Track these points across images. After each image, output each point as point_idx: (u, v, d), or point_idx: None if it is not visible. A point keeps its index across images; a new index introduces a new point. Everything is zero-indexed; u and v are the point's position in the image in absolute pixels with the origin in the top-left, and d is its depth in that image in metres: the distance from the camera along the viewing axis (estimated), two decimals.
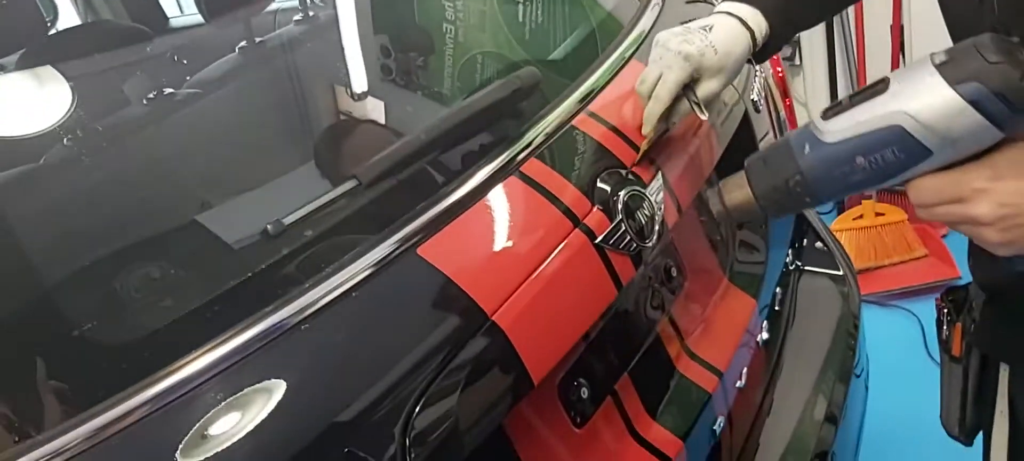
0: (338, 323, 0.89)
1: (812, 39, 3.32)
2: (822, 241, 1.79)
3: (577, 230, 1.07)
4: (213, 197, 1.03)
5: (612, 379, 1.19)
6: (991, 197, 0.82)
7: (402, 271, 0.95)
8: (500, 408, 0.95)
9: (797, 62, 3.35)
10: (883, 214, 3.09)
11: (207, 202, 1.01)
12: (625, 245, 1.10)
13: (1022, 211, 0.81)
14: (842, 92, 3.31)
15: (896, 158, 0.81)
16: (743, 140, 1.49)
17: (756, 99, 1.58)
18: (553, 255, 1.03)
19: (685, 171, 1.26)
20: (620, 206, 1.11)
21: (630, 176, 1.16)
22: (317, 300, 0.89)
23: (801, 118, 3.15)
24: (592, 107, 1.23)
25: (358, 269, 0.92)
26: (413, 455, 0.86)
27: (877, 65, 3.16)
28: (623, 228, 1.11)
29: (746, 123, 1.50)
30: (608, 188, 1.12)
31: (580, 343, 1.13)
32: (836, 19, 3.19)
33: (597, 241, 1.08)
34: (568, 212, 1.08)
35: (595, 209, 1.11)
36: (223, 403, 0.81)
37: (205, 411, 0.80)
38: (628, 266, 1.11)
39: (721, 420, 1.30)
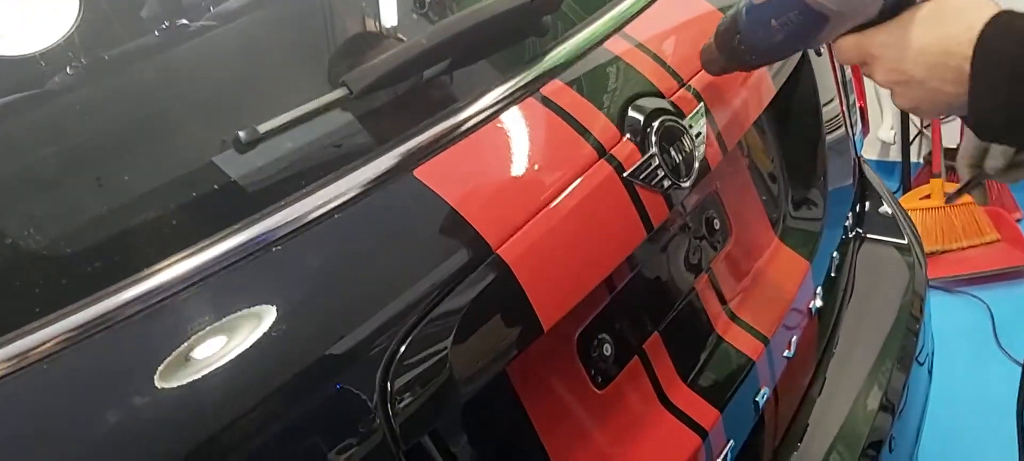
0: (314, 247, 0.77)
1: None
2: (887, 204, 1.62)
3: (602, 161, 0.93)
4: (180, 99, 0.91)
5: (641, 338, 1.05)
6: (882, 64, 0.84)
7: (394, 194, 0.82)
8: (503, 355, 0.82)
9: None
10: None
11: (171, 104, 0.89)
12: (658, 182, 0.96)
13: (909, 77, 0.81)
14: None
15: (801, 22, 0.88)
16: (801, 81, 1.34)
17: None
18: (572, 186, 0.90)
19: (731, 107, 1.12)
20: (654, 137, 0.97)
21: (668, 106, 1.02)
22: (291, 220, 0.76)
23: (869, 83, 2.96)
24: (628, 30, 1.09)
25: (342, 189, 0.79)
26: (396, 402, 0.73)
27: None
28: (656, 162, 0.96)
29: (806, 65, 1.34)
30: (641, 117, 0.98)
31: (603, 293, 1.00)
32: None
33: (625, 175, 0.94)
34: (593, 140, 0.94)
35: (625, 139, 0.97)
36: (166, 326, 0.69)
37: (142, 338, 0.69)
38: (661, 206, 0.97)
39: (765, 391, 1.15)
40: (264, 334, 0.70)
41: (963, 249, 2.82)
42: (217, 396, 0.67)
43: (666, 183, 0.97)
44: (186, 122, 0.89)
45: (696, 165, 1.01)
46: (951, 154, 3.01)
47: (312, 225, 0.77)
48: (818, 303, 1.32)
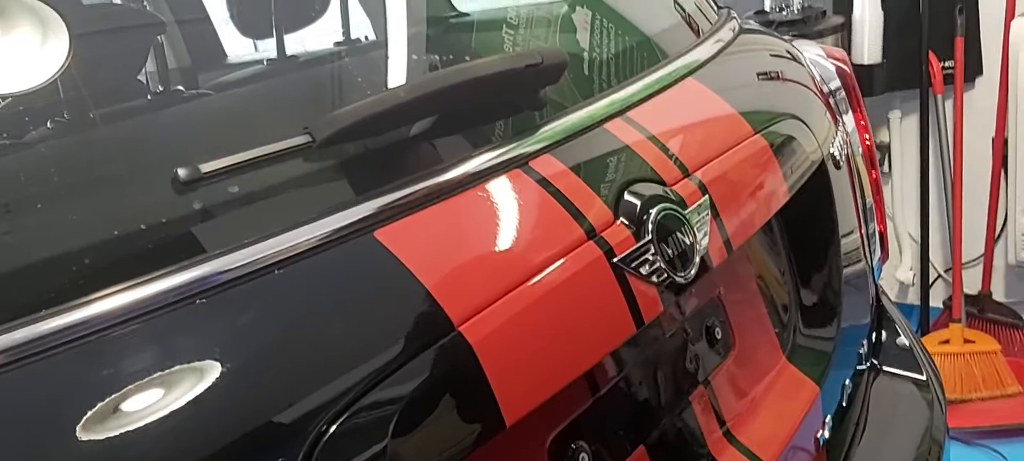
0: (243, 304, 0.66)
1: (904, 146, 3.04)
2: (905, 335, 1.51)
3: (591, 243, 0.83)
4: (130, 131, 0.82)
5: (624, 451, 0.93)
6: None
7: (347, 254, 0.73)
8: (456, 453, 0.71)
9: (886, 170, 3.08)
10: (973, 342, 2.76)
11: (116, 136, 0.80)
12: (652, 272, 0.86)
13: None
14: (934, 206, 3.02)
15: None
16: (817, 194, 1.24)
17: (836, 155, 1.33)
18: (554, 266, 0.79)
19: (740, 205, 1.02)
20: (651, 225, 0.88)
21: (669, 194, 0.92)
22: (220, 271, 0.66)
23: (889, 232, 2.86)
24: (631, 114, 1.00)
25: (286, 244, 0.70)
26: None
27: (975, 179, 2.87)
28: (652, 251, 0.86)
29: (822, 174, 1.25)
30: (638, 203, 0.89)
31: (584, 394, 0.89)
32: (932, 126, 2.92)
33: (616, 260, 0.84)
34: (582, 220, 0.85)
35: (619, 223, 0.87)
36: (54, 384, 0.59)
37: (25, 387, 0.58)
38: (654, 299, 0.86)
39: None
40: (159, 402, 0.59)
41: (983, 400, 2.68)
42: None
43: (661, 275, 0.87)
44: (129, 157, 0.80)
45: (696, 260, 0.91)
46: (973, 300, 2.89)
47: (244, 280, 0.67)
48: (826, 434, 1.19)
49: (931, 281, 3.06)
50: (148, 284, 0.64)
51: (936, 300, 3.08)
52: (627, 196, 0.89)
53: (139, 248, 0.69)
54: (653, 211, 0.88)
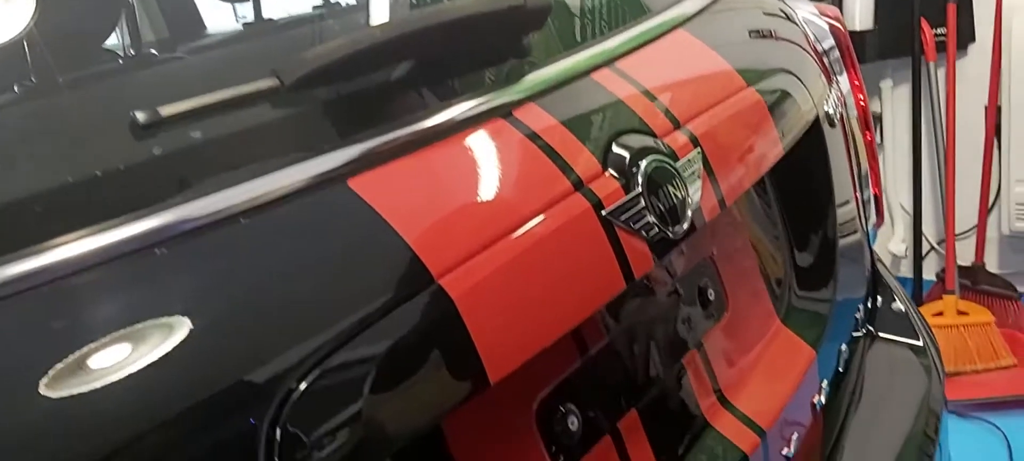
0: (205, 254, 0.62)
1: (896, 115, 3.01)
2: (900, 301, 1.47)
3: (578, 194, 0.79)
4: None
5: (615, 414, 0.89)
6: None
7: (319, 203, 0.68)
8: (436, 407, 0.67)
9: (878, 140, 3.05)
10: (966, 314, 2.73)
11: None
12: (642, 226, 0.82)
13: None
14: (927, 176, 2.98)
15: None
16: (812, 153, 1.21)
17: (831, 113, 1.29)
18: (540, 218, 0.75)
19: (733, 159, 0.98)
20: (641, 177, 0.84)
21: (660, 146, 0.88)
22: (182, 220, 0.62)
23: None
24: (620, 65, 0.96)
25: (251, 192, 0.65)
26: (284, 457, 0.58)
27: (968, 150, 2.84)
28: (642, 203, 0.82)
29: (816, 133, 1.21)
30: (627, 154, 0.84)
31: (572, 354, 0.85)
32: (925, 95, 2.88)
33: (605, 212, 0.80)
34: (569, 171, 0.80)
35: (607, 174, 0.83)
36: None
37: None
38: (645, 255, 0.82)
39: None
40: (115, 357, 0.55)
41: (978, 372, 2.65)
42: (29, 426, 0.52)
43: (652, 230, 0.83)
44: (86, 103, 0.75)
45: (688, 214, 0.87)
46: (966, 271, 2.86)
47: (207, 229, 0.62)
48: (823, 399, 1.15)
49: (924, 253, 3.04)
50: (103, 233, 0.60)
51: (929, 272, 3.05)
52: (615, 148, 0.85)
53: (93, 195, 0.64)
54: (643, 163, 0.84)
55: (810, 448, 1.15)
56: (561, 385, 0.84)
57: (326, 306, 0.63)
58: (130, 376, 0.55)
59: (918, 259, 3.01)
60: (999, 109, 2.78)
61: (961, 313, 2.74)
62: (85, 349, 0.55)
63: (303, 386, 0.59)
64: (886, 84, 2.99)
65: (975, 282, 2.85)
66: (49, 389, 0.53)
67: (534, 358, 0.78)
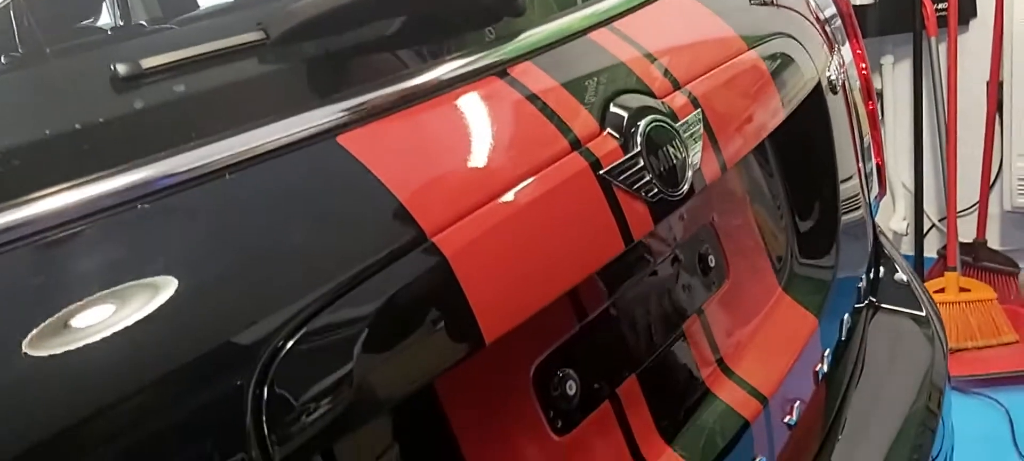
0: (188, 209, 0.60)
1: (896, 92, 2.98)
2: (902, 271, 1.45)
3: (576, 153, 0.77)
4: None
5: (614, 380, 0.87)
6: None
7: (307, 160, 0.66)
8: (429, 367, 0.65)
9: (879, 117, 3.02)
10: (968, 290, 2.71)
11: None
12: (642, 186, 0.80)
13: None
14: (928, 153, 2.96)
15: None
16: (813, 119, 1.18)
17: (833, 79, 1.27)
18: (536, 177, 0.73)
19: (734, 121, 0.96)
20: (640, 137, 0.81)
21: (659, 106, 0.86)
22: (165, 175, 0.60)
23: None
24: (618, 25, 0.94)
25: (235, 147, 0.63)
26: (275, 419, 0.56)
27: (970, 125, 2.82)
28: (641, 163, 0.80)
29: (818, 98, 1.19)
30: (625, 114, 0.82)
31: (569, 318, 0.83)
32: (926, 71, 2.86)
33: (602, 172, 0.77)
34: (566, 130, 0.78)
35: (605, 134, 0.81)
36: None
37: None
38: (644, 216, 0.80)
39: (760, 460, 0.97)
40: (96, 313, 0.53)
41: (979, 349, 2.64)
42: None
43: (652, 191, 0.81)
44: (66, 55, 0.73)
45: (688, 176, 0.85)
46: (968, 248, 2.85)
47: (191, 184, 0.60)
48: (825, 368, 1.14)
49: (925, 230, 3.02)
50: (84, 186, 0.58)
51: (930, 250, 3.03)
52: (614, 107, 0.83)
53: (74, 149, 0.62)
54: (642, 123, 0.82)
55: (813, 417, 1.13)
56: (559, 350, 0.82)
57: (315, 263, 0.61)
58: (112, 334, 0.53)
59: (919, 236, 2.99)
60: (1001, 84, 2.75)
61: (963, 290, 2.72)
62: (66, 306, 0.53)
63: (291, 344, 0.57)
64: (887, 60, 2.97)
65: (977, 258, 2.83)
66: (30, 346, 0.51)
67: (531, 321, 0.76)
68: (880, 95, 2.99)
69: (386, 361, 0.62)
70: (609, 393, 0.86)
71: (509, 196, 0.71)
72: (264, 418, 0.56)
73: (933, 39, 2.79)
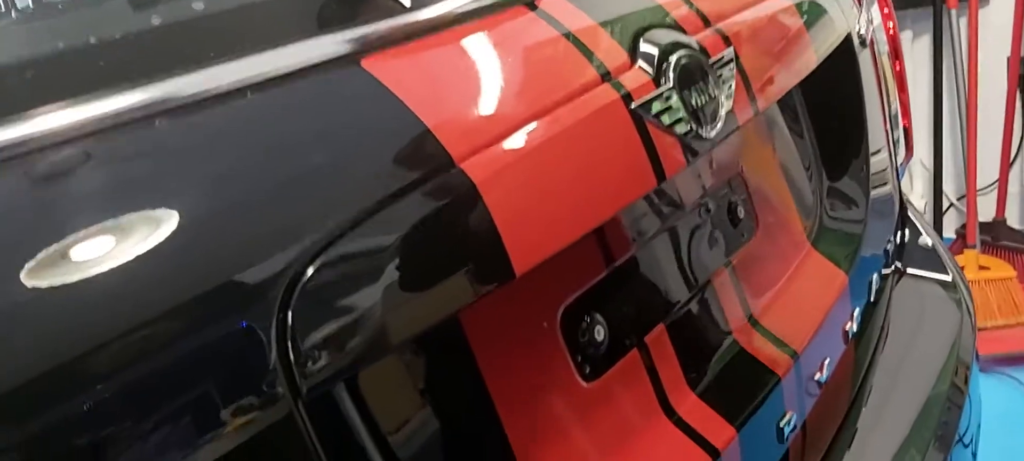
0: (205, 128, 0.57)
1: (916, 68, 2.94)
2: (927, 235, 1.42)
3: (606, 85, 0.74)
4: None
5: (643, 328, 0.84)
6: None
7: (331, 83, 0.64)
8: (460, 296, 0.62)
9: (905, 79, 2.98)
10: (988, 268, 2.68)
11: None
12: (675, 122, 0.77)
13: None
14: (947, 131, 2.92)
15: None
16: (844, 72, 1.15)
17: (863, 33, 1.23)
18: (564, 107, 0.70)
19: (766, 62, 0.93)
20: (672, 72, 0.78)
21: (691, 42, 0.83)
22: (178, 93, 0.57)
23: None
24: None
25: (257, 68, 0.60)
26: (299, 341, 0.53)
27: (990, 103, 2.77)
28: (674, 98, 0.77)
29: (849, 51, 1.16)
30: (656, 50, 0.79)
31: (598, 262, 0.80)
32: (946, 46, 2.81)
33: (634, 105, 0.74)
34: (596, 62, 0.75)
35: (637, 67, 0.78)
36: None
37: None
38: (676, 153, 0.77)
39: (792, 419, 0.94)
40: (108, 235, 0.50)
41: (999, 328, 2.60)
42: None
43: (684, 127, 0.78)
44: None
45: (721, 114, 0.82)
46: (987, 227, 2.81)
47: (212, 102, 0.58)
48: (855, 328, 1.11)
49: (943, 210, 2.98)
50: (97, 101, 0.55)
51: (948, 230, 3.00)
52: (644, 42, 0.80)
53: (88, 64, 0.59)
54: (674, 57, 0.79)
55: (841, 379, 1.11)
56: (588, 294, 0.79)
57: (338, 186, 0.58)
58: (126, 261, 0.51)
59: (938, 215, 2.95)
60: (1022, 60, 2.71)
61: (982, 268, 2.69)
62: (72, 230, 0.51)
63: (314, 269, 0.54)
64: (906, 35, 2.92)
65: (996, 237, 2.80)
66: (29, 276, 0.48)
67: (559, 262, 0.74)
68: None
69: (413, 288, 0.60)
70: (637, 341, 0.83)
71: (539, 126, 0.68)
72: (289, 346, 0.53)
73: (953, 12, 2.75)
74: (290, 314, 0.53)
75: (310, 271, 0.54)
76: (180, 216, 0.53)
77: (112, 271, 0.50)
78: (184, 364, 0.51)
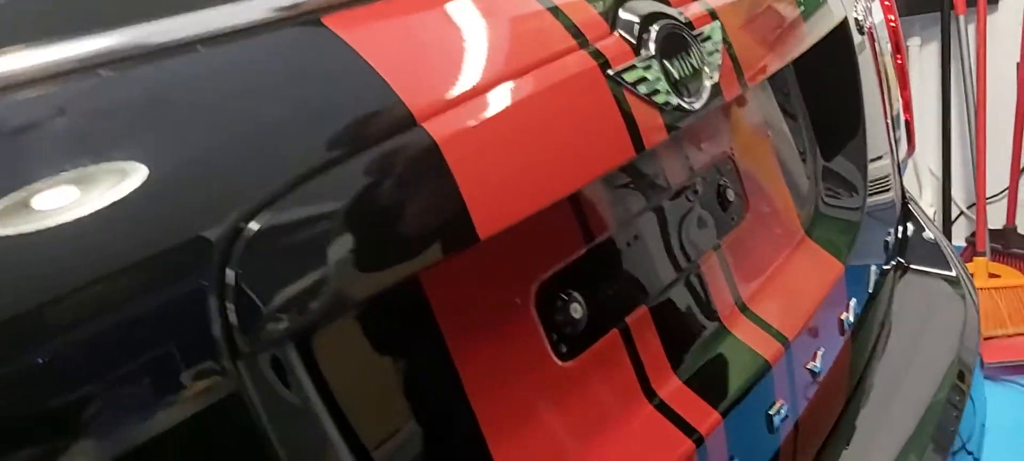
0: (151, 79, 0.55)
1: (924, 75, 2.91)
2: (930, 230, 1.38)
3: (582, 52, 0.72)
4: None
5: (623, 308, 0.81)
6: None
7: (289, 39, 0.61)
8: (420, 257, 0.59)
9: (907, 73, 2.94)
10: (998, 276, 2.63)
11: None
12: (654, 91, 0.74)
13: None
14: (956, 138, 2.88)
15: None
16: (840, 56, 1.12)
17: (860, 20, 1.21)
18: (536, 72, 0.68)
19: (754, 39, 0.90)
20: (653, 43, 0.76)
21: (674, 13, 0.80)
22: (132, 43, 0.55)
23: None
24: None
25: (212, 19, 0.58)
26: (242, 296, 0.50)
27: (999, 109, 2.73)
28: (654, 67, 0.75)
29: (845, 35, 1.13)
30: (637, 18, 0.77)
31: (576, 238, 0.77)
32: (954, 52, 2.78)
33: (611, 73, 0.72)
34: (573, 28, 0.73)
35: (616, 35, 0.75)
36: None
37: None
38: (657, 124, 0.74)
39: (783, 409, 0.90)
40: (60, 198, 0.48)
41: (1010, 336, 2.55)
42: None
43: (665, 98, 0.75)
44: None
45: (706, 87, 0.79)
46: (997, 234, 2.77)
47: (154, 56, 0.55)
48: (851, 318, 1.07)
49: (953, 218, 2.93)
50: (43, 48, 0.53)
51: (958, 238, 2.95)
52: (625, 11, 0.77)
53: (31, 10, 0.57)
54: (655, 27, 0.77)
55: (838, 373, 1.07)
56: (565, 272, 0.76)
57: (289, 141, 0.56)
58: (72, 216, 0.48)
59: (947, 223, 2.91)
60: None
61: (992, 276, 2.64)
62: (19, 185, 0.48)
63: (261, 224, 0.52)
64: (913, 41, 2.89)
65: (1006, 245, 2.75)
66: None
67: (533, 235, 0.71)
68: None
69: (367, 247, 0.57)
70: (618, 322, 0.80)
71: (509, 88, 0.65)
72: (230, 305, 0.50)
73: (962, 18, 2.72)
74: (231, 271, 0.51)
75: (254, 226, 0.52)
76: (117, 171, 0.50)
77: (44, 229, 0.47)
78: (115, 324, 0.48)
